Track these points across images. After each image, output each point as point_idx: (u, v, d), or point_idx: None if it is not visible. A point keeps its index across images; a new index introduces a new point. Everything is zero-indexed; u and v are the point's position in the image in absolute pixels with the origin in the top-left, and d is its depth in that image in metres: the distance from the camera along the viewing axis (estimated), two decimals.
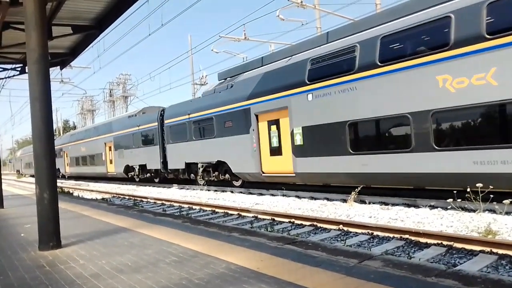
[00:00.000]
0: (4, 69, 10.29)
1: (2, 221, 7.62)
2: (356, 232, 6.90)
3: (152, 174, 21.02)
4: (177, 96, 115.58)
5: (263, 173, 13.04)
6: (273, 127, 12.54)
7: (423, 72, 8.31)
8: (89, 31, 7.86)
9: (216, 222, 6.56)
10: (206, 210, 10.84)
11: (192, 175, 17.43)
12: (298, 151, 11.44)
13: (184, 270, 3.55)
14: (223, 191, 15.15)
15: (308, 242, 4.36)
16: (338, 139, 10.16)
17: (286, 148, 12.00)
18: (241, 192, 14.27)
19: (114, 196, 16.76)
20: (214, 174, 15.83)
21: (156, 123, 19.46)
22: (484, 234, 5.97)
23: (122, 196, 16.37)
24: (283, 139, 12.15)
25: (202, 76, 32.13)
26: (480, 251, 5.29)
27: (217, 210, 10.59)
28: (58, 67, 10.70)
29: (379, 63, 9.13)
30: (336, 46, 10.41)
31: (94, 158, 27.62)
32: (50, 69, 7.12)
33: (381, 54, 9.15)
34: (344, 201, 9.96)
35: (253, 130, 13.11)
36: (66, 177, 35.63)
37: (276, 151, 12.47)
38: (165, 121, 18.68)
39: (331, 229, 7.30)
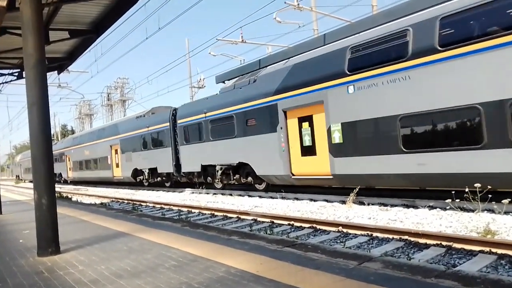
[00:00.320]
0: (2, 74, 10.31)
1: (0, 227, 7.59)
2: (356, 234, 6.90)
3: (164, 178, 19.80)
4: (175, 100, 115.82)
5: (293, 175, 11.85)
6: (305, 124, 11.35)
7: (500, 56, 7.13)
8: (86, 36, 7.88)
9: (215, 226, 6.56)
10: (205, 214, 10.83)
11: (209, 178, 16.13)
12: (337, 150, 10.27)
13: (183, 274, 3.55)
14: (222, 194, 15.15)
15: (308, 245, 4.36)
16: (387, 136, 9.03)
17: (321, 147, 10.84)
18: (240, 195, 14.23)
19: (113, 201, 16.74)
20: (235, 177, 14.65)
21: (168, 124, 18.20)
22: (483, 234, 5.97)
23: (121, 200, 16.34)
24: (318, 137, 10.98)
25: (200, 79, 32.25)
26: (480, 251, 5.30)
27: (216, 213, 10.57)
28: (56, 71, 10.72)
29: (439, 48, 8.04)
30: (382, 32, 9.33)
31: (98, 161, 26.19)
32: (48, 73, 7.14)
33: (442, 38, 8.02)
34: (343, 202, 9.96)
35: (281, 128, 11.93)
36: (69, 182, 34.15)
37: (308, 150, 11.29)
38: (178, 121, 17.42)
39: (330, 231, 7.29)
